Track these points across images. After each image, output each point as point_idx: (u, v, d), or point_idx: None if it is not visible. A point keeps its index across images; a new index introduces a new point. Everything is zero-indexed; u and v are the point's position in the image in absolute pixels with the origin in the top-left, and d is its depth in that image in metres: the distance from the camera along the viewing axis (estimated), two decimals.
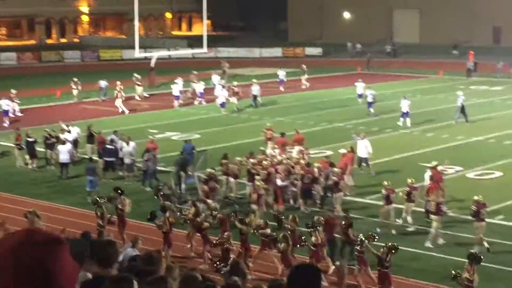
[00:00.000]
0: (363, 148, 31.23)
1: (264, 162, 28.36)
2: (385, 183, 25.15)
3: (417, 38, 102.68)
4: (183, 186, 28.56)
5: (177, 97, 50.40)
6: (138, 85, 53.05)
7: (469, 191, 27.25)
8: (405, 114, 42.92)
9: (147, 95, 53.44)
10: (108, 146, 32.02)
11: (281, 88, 55.58)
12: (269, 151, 32.75)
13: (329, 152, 34.33)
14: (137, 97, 52.25)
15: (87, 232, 13.56)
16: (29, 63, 79.99)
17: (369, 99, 46.43)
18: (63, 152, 31.85)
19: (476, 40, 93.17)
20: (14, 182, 31.39)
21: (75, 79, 51.61)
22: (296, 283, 5.03)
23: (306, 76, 58.99)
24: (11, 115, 44.73)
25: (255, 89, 50.62)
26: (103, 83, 52.58)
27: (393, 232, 24.21)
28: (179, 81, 51.78)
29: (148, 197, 28.53)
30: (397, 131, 41.34)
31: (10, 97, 45.89)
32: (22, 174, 32.91)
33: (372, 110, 46.24)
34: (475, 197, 23.26)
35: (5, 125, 42.86)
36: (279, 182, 26.88)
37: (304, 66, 59.97)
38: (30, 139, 33.55)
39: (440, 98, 53.59)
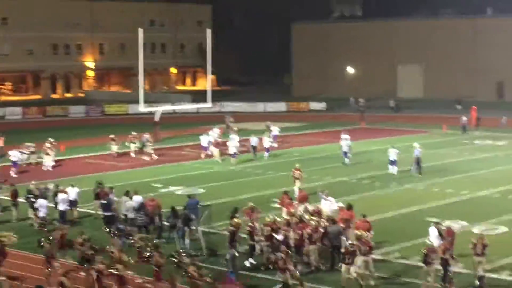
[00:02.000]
0: (327, 206, 30.66)
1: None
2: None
3: (421, 93, 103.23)
4: (186, 241, 28.37)
5: (205, 148, 51.61)
6: (113, 142, 52.03)
7: None
8: (393, 163, 44.67)
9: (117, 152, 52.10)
10: (102, 201, 32.01)
11: (275, 144, 55.48)
12: (296, 188, 36.94)
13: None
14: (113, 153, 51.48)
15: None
16: (34, 118, 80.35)
17: (345, 149, 48.44)
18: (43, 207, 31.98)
19: (479, 95, 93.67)
20: None
21: (112, 136, 52.03)
22: None
23: (269, 135, 55.51)
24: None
25: (254, 140, 51.65)
26: (145, 137, 53.84)
27: None
28: (212, 132, 53.00)
29: None
30: (402, 186, 41.22)
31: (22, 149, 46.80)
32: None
33: (347, 160, 47.87)
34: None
35: (13, 175, 43.62)
36: (279, 236, 26.22)
37: (269, 123, 59.99)
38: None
39: (443, 152, 53.58)
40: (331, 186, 41.09)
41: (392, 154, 45.05)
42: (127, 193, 32.09)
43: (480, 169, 46.20)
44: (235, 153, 49.60)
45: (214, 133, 54.12)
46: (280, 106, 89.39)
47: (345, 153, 48.59)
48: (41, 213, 31.78)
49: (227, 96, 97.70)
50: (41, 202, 32.02)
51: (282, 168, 46.89)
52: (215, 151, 50.29)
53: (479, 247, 24.41)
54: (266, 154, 51.44)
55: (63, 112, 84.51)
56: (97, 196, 33.82)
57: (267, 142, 52.00)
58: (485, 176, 43.99)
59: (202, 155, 51.35)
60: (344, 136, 50.46)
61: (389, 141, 55.60)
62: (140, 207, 30.67)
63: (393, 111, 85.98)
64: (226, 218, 29.48)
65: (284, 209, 30.83)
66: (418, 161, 44.82)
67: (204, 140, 52.23)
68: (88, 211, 34.62)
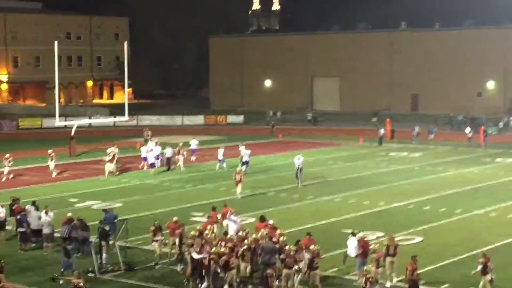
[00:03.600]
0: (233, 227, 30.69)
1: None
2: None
3: (337, 106, 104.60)
4: (104, 255, 27.95)
5: (144, 159, 51.69)
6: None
7: None
8: (298, 172, 45.40)
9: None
10: (18, 217, 31.31)
11: (192, 158, 55.31)
12: (238, 190, 40.82)
13: (251, 220, 34.14)
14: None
15: None
16: None
17: (245, 159, 49.78)
18: None
19: (395, 108, 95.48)
20: None
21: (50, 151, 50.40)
22: None
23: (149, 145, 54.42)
24: None
25: (168, 152, 52.35)
26: (193, 143, 55.14)
27: None
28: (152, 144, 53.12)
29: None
30: (319, 197, 41.56)
31: None
32: None
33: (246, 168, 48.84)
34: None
35: None
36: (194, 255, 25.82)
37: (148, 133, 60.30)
38: None
39: (360, 165, 54.31)
40: (250, 199, 41.21)
41: (298, 161, 45.86)
42: (39, 208, 31.60)
43: (396, 180, 46.98)
44: (153, 164, 50.50)
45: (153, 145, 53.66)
46: (198, 119, 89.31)
47: (246, 162, 49.67)
48: None
49: (145, 109, 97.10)
50: None
51: (201, 181, 46.78)
52: (109, 166, 49.53)
53: (391, 249, 25.14)
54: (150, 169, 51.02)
55: None
56: (13, 212, 33.11)
57: (152, 156, 51.30)
58: (401, 188, 44.73)
59: (145, 167, 51.38)
60: (241, 148, 51.63)
61: (306, 154, 55.99)
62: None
63: (310, 124, 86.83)
64: (144, 232, 29.19)
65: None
66: (299, 171, 45.42)
67: (144, 151, 52.06)
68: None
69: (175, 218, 29.76)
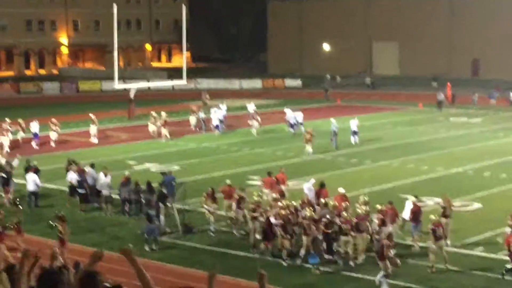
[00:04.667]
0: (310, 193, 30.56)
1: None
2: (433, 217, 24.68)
3: (396, 70, 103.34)
4: (161, 217, 28.24)
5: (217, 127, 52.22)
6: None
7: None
8: (355, 133, 46.89)
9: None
10: (79, 179, 31.74)
11: (249, 122, 55.38)
12: (308, 149, 42.94)
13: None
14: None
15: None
16: (7, 95, 79.51)
17: (293, 121, 51.56)
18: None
19: (455, 72, 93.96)
20: None
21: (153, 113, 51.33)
22: None
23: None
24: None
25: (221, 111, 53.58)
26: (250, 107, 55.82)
27: None
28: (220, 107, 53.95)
29: (127, 230, 28.35)
30: (377, 162, 41.28)
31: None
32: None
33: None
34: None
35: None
36: (272, 220, 25.81)
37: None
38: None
39: (419, 130, 53.73)
40: (307, 163, 41.14)
41: (353, 125, 46.97)
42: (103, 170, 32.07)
43: (455, 146, 46.37)
44: (217, 126, 51.66)
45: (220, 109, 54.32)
46: (255, 83, 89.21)
47: (293, 125, 51.36)
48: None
49: (202, 73, 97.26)
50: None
51: (258, 145, 46.83)
52: (164, 130, 49.77)
53: (447, 210, 25.82)
54: (216, 131, 51.92)
55: (37, 89, 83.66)
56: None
57: (215, 119, 52.38)
58: (460, 153, 44.15)
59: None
60: (287, 110, 52.89)
61: (364, 118, 55.60)
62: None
63: (369, 89, 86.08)
64: (201, 195, 29.35)
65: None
66: (335, 135, 45.88)
67: (214, 117, 52.65)
68: (62, 188, 34.38)
69: (228, 181, 29.88)
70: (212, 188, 28.94)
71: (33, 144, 46.15)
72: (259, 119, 52.32)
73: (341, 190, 28.42)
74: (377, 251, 22.74)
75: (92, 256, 8.01)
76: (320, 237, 24.03)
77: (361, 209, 25.52)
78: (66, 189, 32.92)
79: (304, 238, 24.53)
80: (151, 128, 50.00)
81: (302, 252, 24.33)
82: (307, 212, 25.16)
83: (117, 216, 30.45)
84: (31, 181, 31.82)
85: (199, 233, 27.72)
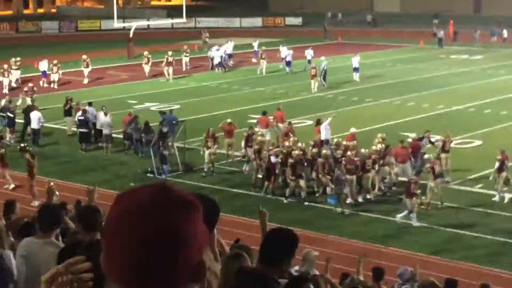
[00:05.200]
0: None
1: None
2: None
3: (397, 7, 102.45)
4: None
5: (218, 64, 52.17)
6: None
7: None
8: (355, 70, 46.86)
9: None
10: (79, 118, 31.79)
11: (254, 59, 55.08)
12: (313, 84, 43.05)
13: (309, 122, 34.06)
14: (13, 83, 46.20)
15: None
16: (6, 34, 79.03)
17: (289, 59, 51.07)
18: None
19: (457, 9, 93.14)
20: None
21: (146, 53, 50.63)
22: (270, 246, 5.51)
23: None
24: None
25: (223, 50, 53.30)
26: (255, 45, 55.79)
27: None
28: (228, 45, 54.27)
29: (128, 168, 28.48)
30: (378, 100, 41.22)
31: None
32: None
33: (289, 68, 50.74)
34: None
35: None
36: (273, 159, 25.89)
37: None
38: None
39: (420, 67, 53.48)
40: (308, 101, 41.10)
41: (355, 61, 46.95)
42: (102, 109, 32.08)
43: (457, 83, 46.24)
44: (219, 63, 51.61)
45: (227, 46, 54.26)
46: (256, 22, 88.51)
47: (289, 63, 51.10)
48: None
49: (202, 11, 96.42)
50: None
51: (258, 84, 46.72)
52: (167, 69, 49.55)
53: (447, 145, 26.47)
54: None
55: (36, 28, 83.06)
56: (67, 113, 33.79)
57: (217, 57, 52.31)
58: (461, 91, 44.05)
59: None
60: (283, 48, 52.31)
61: (365, 56, 55.27)
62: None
63: (370, 26, 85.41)
64: (201, 133, 29.39)
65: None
66: (324, 74, 45.03)
67: (216, 56, 52.41)
68: (60, 127, 34.46)
69: (229, 120, 29.93)
70: (213, 130, 28.88)
71: (41, 82, 45.86)
72: (265, 58, 51.70)
73: (353, 129, 28.65)
74: (406, 187, 22.96)
75: (87, 193, 8.15)
76: (343, 177, 24.02)
77: (376, 147, 25.69)
78: (65, 128, 33.05)
79: (320, 177, 24.76)
80: (146, 69, 49.71)
81: (303, 194, 24.54)
82: (324, 150, 25.34)
83: (117, 155, 30.55)
84: (35, 119, 31.93)
85: (200, 171, 27.84)
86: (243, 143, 28.00)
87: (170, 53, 49.63)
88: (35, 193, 23.96)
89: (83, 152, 30.98)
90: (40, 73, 47.01)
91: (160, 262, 2.14)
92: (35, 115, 32.13)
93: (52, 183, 10.17)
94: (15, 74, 45.85)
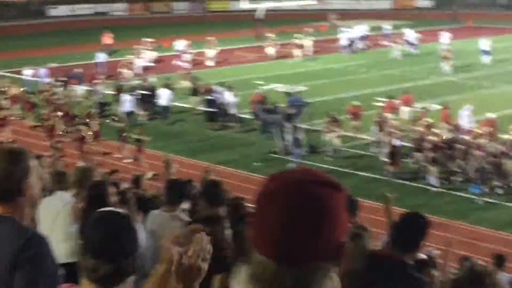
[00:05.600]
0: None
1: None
2: None
3: None
4: (288, 137, 28.45)
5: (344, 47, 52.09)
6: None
7: None
8: (486, 52, 46.23)
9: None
10: (207, 97, 32.37)
11: (385, 42, 54.48)
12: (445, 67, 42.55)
13: (437, 107, 33.44)
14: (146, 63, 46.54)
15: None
16: (139, 14, 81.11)
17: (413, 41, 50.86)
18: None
19: None
20: None
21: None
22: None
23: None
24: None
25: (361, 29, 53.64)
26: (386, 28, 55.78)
27: None
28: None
29: (254, 148, 28.79)
30: (510, 85, 40.00)
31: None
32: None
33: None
34: None
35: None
36: (397, 142, 25.78)
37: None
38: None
39: None
40: (437, 85, 40.33)
41: (485, 45, 46.22)
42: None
43: None
44: (347, 46, 51.60)
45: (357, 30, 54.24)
46: (384, 4, 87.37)
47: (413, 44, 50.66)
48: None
49: None
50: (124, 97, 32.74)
51: (386, 66, 46.18)
52: (296, 52, 49.62)
53: None
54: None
55: (167, 8, 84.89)
56: (195, 92, 34.46)
57: (344, 39, 52.36)
58: None
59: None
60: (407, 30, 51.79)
61: (497, 40, 53.61)
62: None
63: (503, 9, 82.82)
64: (326, 116, 29.36)
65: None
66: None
67: (343, 37, 52.49)
68: (186, 105, 35.20)
69: (355, 102, 29.80)
70: (333, 114, 28.77)
71: (177, 62, 46.35)
72: (397, 41, 51.07)
73: (490, 115, 28.05)
74: None
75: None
76: (487, 166, 23.58)
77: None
78: (193, 107, 33.81)
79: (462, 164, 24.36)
80: (270, 51, 49.89)
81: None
82: (467, 137, 24.98)
83: (244, 134, 30.93)
84: (165, 96, 32.80)
85: (324, 153, 27.84)
86: (372, 128, 27.73)
87: (298, 35, 49.71)
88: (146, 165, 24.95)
89: (210, 131, 31.53)
90: (175, 53, 47.90)
91: (305, 234, 2.27)
92: (164, 93, 33.07)
93: (169, 156, 10.48)
94: (149, 55, 46.83)
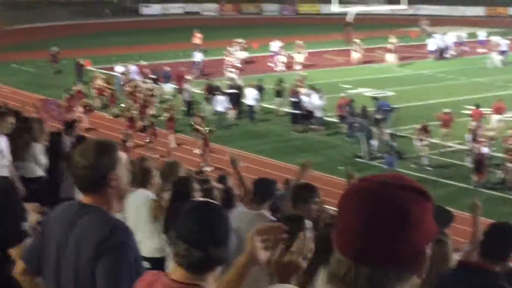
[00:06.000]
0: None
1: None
2: None
3: None
4: (374, 142, 28.33)
5: (432, 51, 51.69)
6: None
7: None
8: None
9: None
10: (293, 99, 32.48)
11: (480, 50, 53.60)
12: None
13: None
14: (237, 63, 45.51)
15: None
16: (229, 15, 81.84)
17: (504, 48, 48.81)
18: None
19: None
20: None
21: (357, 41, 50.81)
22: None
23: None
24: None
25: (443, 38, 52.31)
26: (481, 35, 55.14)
27: None
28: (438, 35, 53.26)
29: (339, 152, 28.77)
30: None
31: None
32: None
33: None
34: None
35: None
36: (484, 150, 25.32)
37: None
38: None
39: None
40: None
41: None
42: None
43: None
44: (437, 52, 50.94)
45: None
46: (478, 10, 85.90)
47: (503, 52, 48.80)
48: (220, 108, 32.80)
49: None
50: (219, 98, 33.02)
51: (475, 74, 45.42)
52: (389, 56, 49.24)
53: None
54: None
55: (257, 10, 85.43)
56: (279, 94, 34.62)
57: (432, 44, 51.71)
58: None
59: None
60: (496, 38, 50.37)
61: None
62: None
63: None
64: (414, 121, 29.12)
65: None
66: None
67: (431, 43, 51.92)
68: (269, 106, 35.36)
69: (446, 110, 29.43)
70: (425, 121, 28.41)
71: (274, 63, 47.08)
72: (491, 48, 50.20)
73: None
74: None
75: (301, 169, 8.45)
76: None
77: None
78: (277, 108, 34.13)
79: None
80: (355, 55, 49.56)
81: None
82: None
83: (329, 137, 30.91)
84: (251, 96, 33.09)
85: (410, 159, 27.59)
86: (467, 137, 27.28)
87: (389, 39, 49.41)
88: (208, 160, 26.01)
89: (295, 133, 31.60)
90: (270, 53, 48.38)
91: (384, 236, 2.30)
92: (250, 92, 33.33)
93: (234, 154, 10.62)
94: (240, 55, 47.13)
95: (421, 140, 27.61)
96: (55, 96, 32.84)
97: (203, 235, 3.44)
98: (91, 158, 4.30)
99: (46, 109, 27.07)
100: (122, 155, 4.40)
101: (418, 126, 28.18)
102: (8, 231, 5.83)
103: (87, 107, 32.14)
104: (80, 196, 4.49)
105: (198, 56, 45.27)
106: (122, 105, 32.74)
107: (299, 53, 48.23)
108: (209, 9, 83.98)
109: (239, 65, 44.16)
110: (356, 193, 2.38)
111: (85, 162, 4.29)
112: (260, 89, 34.43)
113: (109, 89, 35.72)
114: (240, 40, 48.79)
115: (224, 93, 33.59)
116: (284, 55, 47.25)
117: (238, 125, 32.91)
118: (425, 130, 27.82)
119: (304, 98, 32.38)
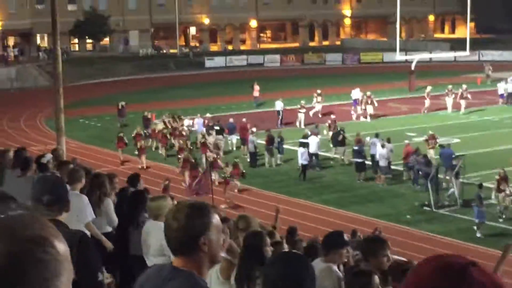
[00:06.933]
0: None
1: None
2: None
3: None
4: (452, 190, 27.99)
5: (501, 96, 51.70)
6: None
7: None
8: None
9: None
10: (356, 148, 32.45)
11: None
12: None
13: None
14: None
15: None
16: (292, 65, 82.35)
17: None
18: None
19: None
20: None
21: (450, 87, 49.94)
22: None
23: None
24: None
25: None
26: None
27: None
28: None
29: (405, 200, 28.54)
30: None
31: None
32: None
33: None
34: None
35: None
36: None
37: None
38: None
39: None
40: None
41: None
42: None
43: None
44: (505, 97, 51.07)
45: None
46: None
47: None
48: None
49: (487, 43, 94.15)
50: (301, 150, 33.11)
51: None
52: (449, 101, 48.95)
53: None
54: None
55: (320, 59, 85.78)
56: (340, 143, 34.68)
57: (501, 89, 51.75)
58: None
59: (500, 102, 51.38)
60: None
61: None
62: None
63: None
64: (480, 169, 28.79)
65: None
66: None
67: (501, 87, 51.77)
68: (327, 154, 35.41)
69: None
70: (504, 172, 27.74)
71: (353, 113, 47.37)
72: None
73: None
74: None
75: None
76: None
77: None
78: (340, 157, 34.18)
79: None
80: (426, 103, 48.90)
81: None
82: None
83: (395, 186, 30.71)
84: (314, 144, 33.20)
85: (477, 207, 27.17)
86: None
87: (464, 86, 49.01)
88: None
89: (360, 182, 31.49)
90: (351, 101, 48.86)
91: None
92: (313, 140, 33.42)
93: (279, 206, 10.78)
94: (317, 107, 47.35)
95: (499, 190, 26.79)
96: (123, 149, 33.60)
97: (289, 284, 3.54)
98: (183, 221, 4.32)
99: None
100: (216, 218, 4.38)
101: (496, 176, 27.45)
102: (86, 281, 5.97)
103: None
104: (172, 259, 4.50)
105: (279, 105, 45.61)
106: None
107: (369, 103, 47.62)
108: (272, 60, 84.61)
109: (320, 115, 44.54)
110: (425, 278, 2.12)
111: (176, 225, 4.32)
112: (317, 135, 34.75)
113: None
114: (319, 91, 48.64)
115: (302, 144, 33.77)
116: (368, 104, 46.99)
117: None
118: (505, 179, 27.05)
119: (366, 147, 32.40)
